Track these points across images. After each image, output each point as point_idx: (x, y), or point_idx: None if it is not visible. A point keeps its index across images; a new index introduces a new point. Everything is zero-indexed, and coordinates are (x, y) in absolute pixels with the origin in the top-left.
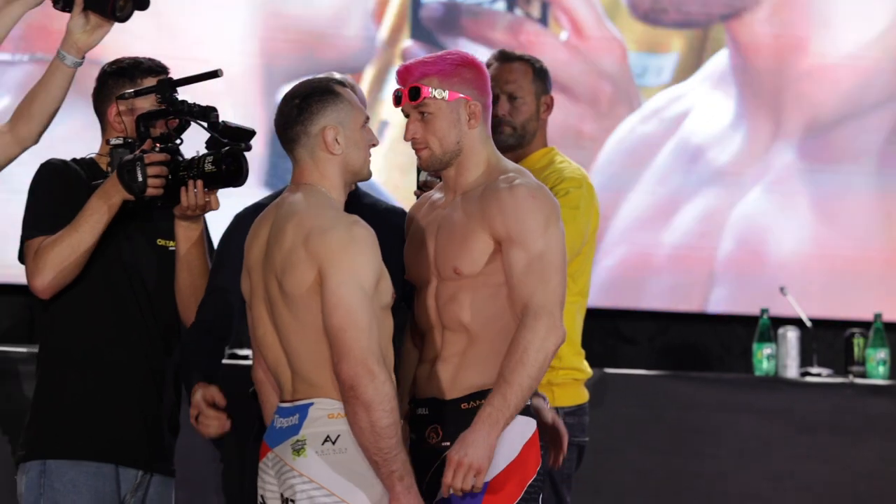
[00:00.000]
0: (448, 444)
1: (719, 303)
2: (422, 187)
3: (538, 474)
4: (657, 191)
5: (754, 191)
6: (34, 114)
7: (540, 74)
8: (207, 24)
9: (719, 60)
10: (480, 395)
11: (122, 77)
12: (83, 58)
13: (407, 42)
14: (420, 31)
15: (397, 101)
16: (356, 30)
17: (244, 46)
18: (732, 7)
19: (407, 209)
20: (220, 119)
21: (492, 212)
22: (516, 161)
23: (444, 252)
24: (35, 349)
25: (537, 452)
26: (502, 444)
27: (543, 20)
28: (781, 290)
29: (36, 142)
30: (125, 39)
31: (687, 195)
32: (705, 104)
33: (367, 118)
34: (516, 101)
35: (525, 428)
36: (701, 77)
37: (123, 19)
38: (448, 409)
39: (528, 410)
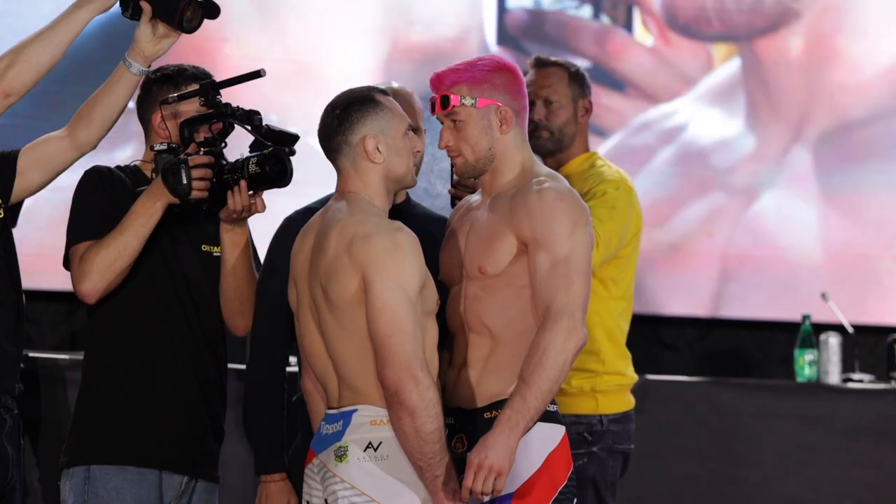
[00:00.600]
0: None
1: (760, 308)
2: (456, 185)
3: (569, 480)
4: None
5: (789, 197)
6: (95, 119)
7: (576, 78)
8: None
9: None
10: (501, 405)
11: (166, 83)
12: (149, 66)
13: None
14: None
15: (432, 108)
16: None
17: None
18: (772, 21)
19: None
20: (264, 123)
21: (519, 214)
22: (557, 165)
23: (472, 252)
24: (78, 356)
25: (568, 458)
26: (528, 451)
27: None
28: (823, 296)
29: (94, 147)
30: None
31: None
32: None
33: (410, 125)
34: (552, 106)
35: (553, 434)
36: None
37: (191, 30)
38: (472, 419)
39: (555, 417)
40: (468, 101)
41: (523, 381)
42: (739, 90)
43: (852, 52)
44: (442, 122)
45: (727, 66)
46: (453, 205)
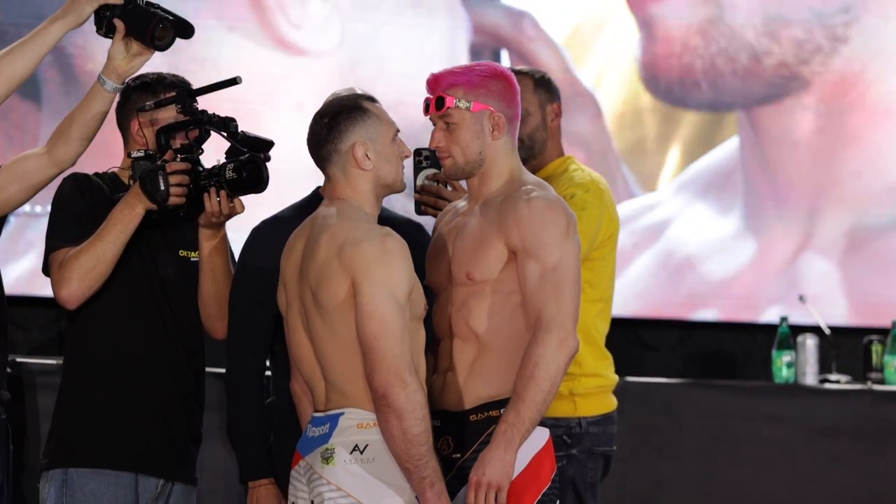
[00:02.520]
0: (458, 455)
1: (739, 311)
2: (419, 191)
3: (553, 482)
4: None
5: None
6: (73, 137)
7: (541, 84)
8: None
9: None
10: (488, 407)
11: (144, 91)
12: (123, 83)
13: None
14: None
15: (426, 109)
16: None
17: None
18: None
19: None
20: (240, 129)
21: (508, 222)
22: (533, 171)
23: (460, 258)
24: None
25: (552, 460)
26: None
27: None
28: (800, 298)
29: (73, 164)
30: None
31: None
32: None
33: (398, 131)
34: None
35: (537, 437)
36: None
37: (163, 48)
38: (459, 422)
39: (540, 420)
40: (463, 104)
41: (517, 394)
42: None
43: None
44: (435, 124)
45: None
46: (417, 209)
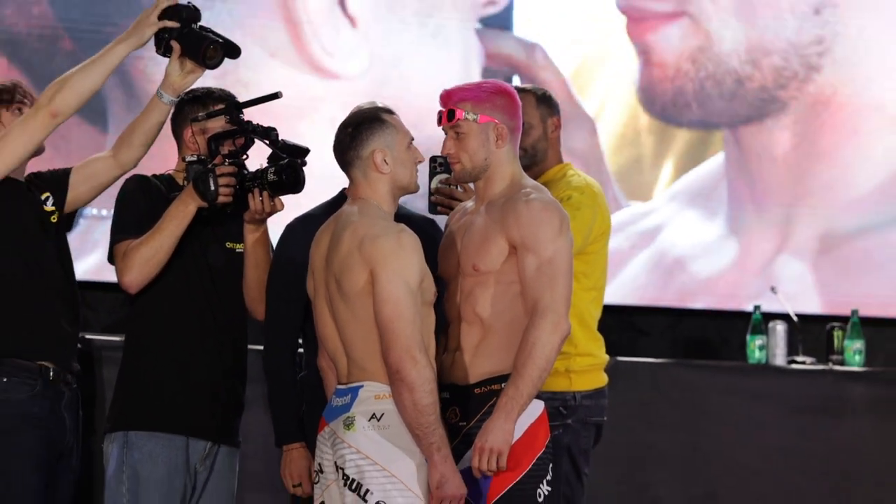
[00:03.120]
0: (464, 423)
1: (719, 300)
2: (434, 192)
3: (546, 448)
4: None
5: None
6: (134, 143)
7: (543, 101)
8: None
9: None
10: (491, 382)
11: (196, 104)
12: (178, 97)
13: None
14: None
15: (439, 120)
16: None
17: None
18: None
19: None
20: (280, 138)
21: (509, 220)
22: (534, 176)
23: (467, 251)
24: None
25: (546, 429)
26: None
27: None
28: (772, 289)
29: (134, 166)
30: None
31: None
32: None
33: (412, 139)
34: (524, 127)
35: (533, 409)
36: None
37: (213, 66)
38: (464, 394)
39: (536, 394)
40: (471, 117)
41: (516, 371)
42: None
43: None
44: (446, 133)
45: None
46: (432, 209)
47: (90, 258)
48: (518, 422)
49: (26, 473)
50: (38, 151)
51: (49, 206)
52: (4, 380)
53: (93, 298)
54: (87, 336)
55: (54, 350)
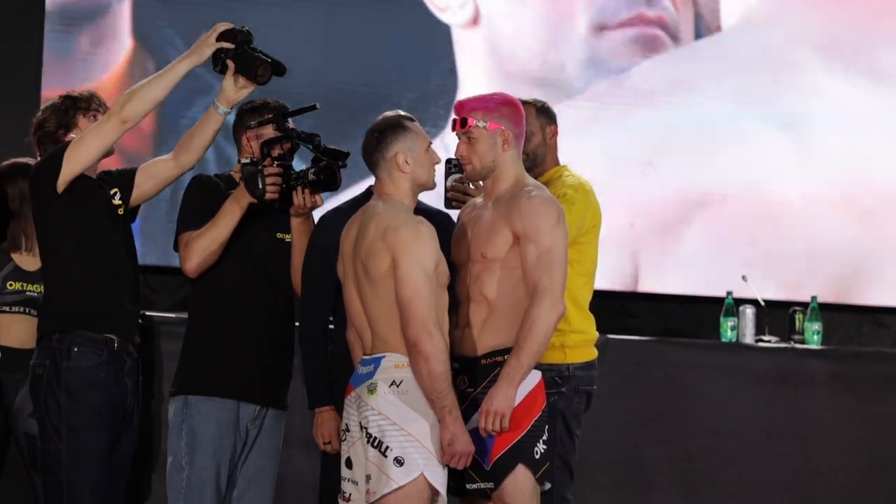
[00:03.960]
0: (472, 390)
1: (698, 287)
2: (448, 190)
3: (543, 412)
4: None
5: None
6: (193, 147)
7: (542, 111)
8: None
9: None
10: (496, 354)
11: (253, 113)
12: (231, 108)
13: None
14: None
15: (453, 126)
16: None
17: None
18: None
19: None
20: (322, 143)
21: (513, 214)
22: (535, 177)
23: (476, 241)
24: (183, 315)
25: (543, 396)
26: None
27: None
28: (743, 277)
29: (192, 168)
30: None
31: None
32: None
33: (430, 143)
34: (526, 134)
35: (532, 378)
36: None
37: (263, 83)
38: (473, 365)
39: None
40: (481, 124)
41: (518, 345)
42: None
43: None
44: (459, 138)
45: None
46: (448, 204)
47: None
48: (519, 389)
49: (94, 431)
50: (108, 153)
51: (117, 201)
52: (75, 349)
53: (156, 281)
54: (148, 313)
55: (118, 324)
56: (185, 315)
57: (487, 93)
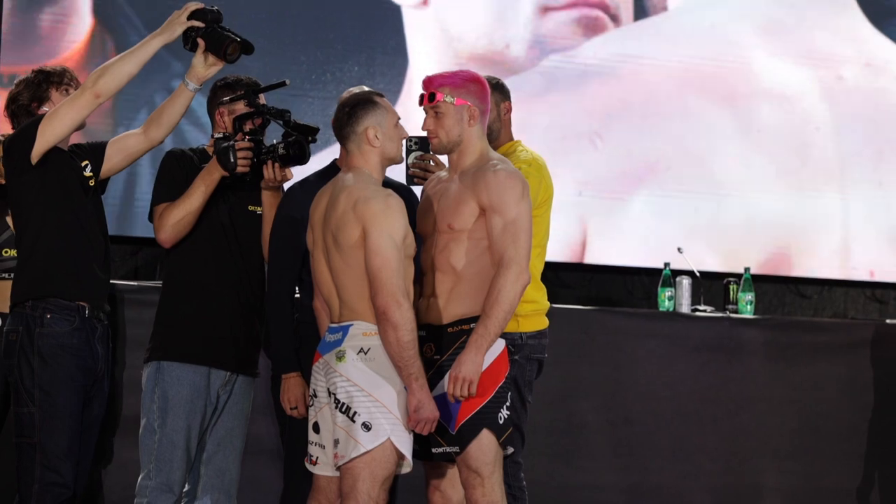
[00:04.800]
0: (438, 357)
1: (636, 258)
2: (409, 167)
3: (506, 379)
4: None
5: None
6: (163, 123)
7: (497, 88)
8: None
9: None
10: (462, 322)
11: (226, 89)
12: (201, 85)
13: None
14: None
15: (420, 101)
16: None
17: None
18: None
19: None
20: (292, 119)
21: (479, 186)
22: None
23: (442, 212)
24: (138, 283)
25: (507, 363)
26: None
27: None
28: (678, 249)
29: (161, 143)
30: None
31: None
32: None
33: (399, 118)
34: None
35: (497, 346)
36: None
37: (232, 61)
38: (439, 332)
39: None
40: (449, 99)
41: (485, 313)
42: None
43: None
44: (426, 113)
45: None
46: (409, 181)
47: None
48: (486, 356)
49: (66, 394)
50: (80, 126)
51: (88, 172)
52: (48, 316)
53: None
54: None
55: (90, 292)
56: (145, 283)
57: (454, 70)
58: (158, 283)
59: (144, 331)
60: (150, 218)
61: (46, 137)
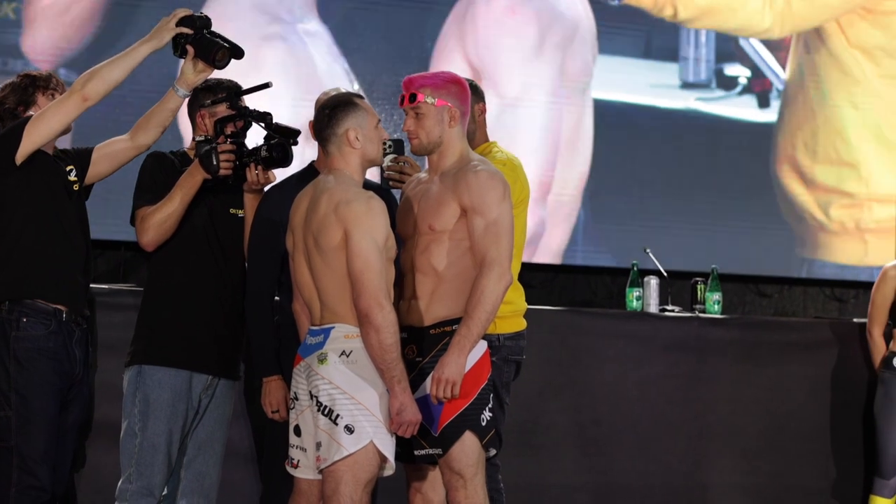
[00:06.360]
0: (420, 359)
1: (604, 258)
2: (384, 170)
3: (488, 381)
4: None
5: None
6: (150, 128)
7: (471, 89)
8: None
9: None
10: (444, 324)
11: (207, 92)
12: (190, 91)
13: None
14: None
15: (401, 102)
16: None
17: None
18: None
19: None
20: (274, 121)
21: (460, 187)
22: None
23: (423, 214)
24: (112, 286)
25: (489, 365)
26: None
27: None
28: (644, 250)
29: (148, 148)
30: None
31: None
32: None
33: (379, 120)
34: None
35: (479, 347)
36: None
37: (221, 67)
38: (421, 334)
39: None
40: (430, 100)
41: (467, 315)
42: None
43: None
44: (407, 113)
45: None
46: (385, 183)
47: None
48: (468, 357)
49: (43, 398)
50: (66, 130)
51: (72, 177)
52: (24, 319)
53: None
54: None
55: (68, 296)
56: (119, 286)
57: (435, 71)
58: (131, 287)
59: (118, 334)
60: (132, 221)
61: (32, 139)
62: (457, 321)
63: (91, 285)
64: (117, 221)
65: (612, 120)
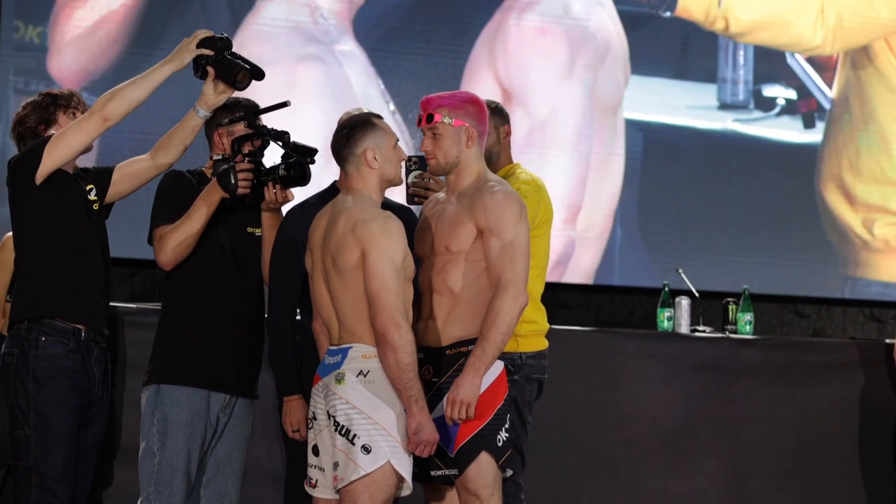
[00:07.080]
0: (437, 379)
1: (642, 278)
2: (409, 186)
3: (505, 401)
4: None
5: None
6: (171, 148)
7: (496, 112)
8: None
9: None
10: (460, 345)
11: (224, 110)
12: (211, 112)
13: None
14: None
15: (419, 122)
16: None
17: None
18: None
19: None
20: (292, 140)
21: (477, 208)
22: None
23: (440, 234)
24: (137, 305)
25: (505, 385)
26: None
27: None
28: (677, 270)
29: (170, 167)
30: None
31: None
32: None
33: (397, 140)
34: None
35: (495, 368)
36: None
37: (242, 88)
38: (437, 355)
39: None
40: (447, 120)
41: (483, 336)
42: None
43: None
44: (424, 134)
45: None
46: (409, 200)
47: None
48: (484, 378)
49: (62, 416)
50: (87, 150)
51: (92, 196)
52: (43, 338)
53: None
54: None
55: (87, 315)
56: (145, 305)
57: (453, 91)
58: (157, 306)
59: (143, 353)
60: (150, 241)
61: (52, 159)
62: (473, 342)
63: (118, 304)
64: None
65: (649, 140)
